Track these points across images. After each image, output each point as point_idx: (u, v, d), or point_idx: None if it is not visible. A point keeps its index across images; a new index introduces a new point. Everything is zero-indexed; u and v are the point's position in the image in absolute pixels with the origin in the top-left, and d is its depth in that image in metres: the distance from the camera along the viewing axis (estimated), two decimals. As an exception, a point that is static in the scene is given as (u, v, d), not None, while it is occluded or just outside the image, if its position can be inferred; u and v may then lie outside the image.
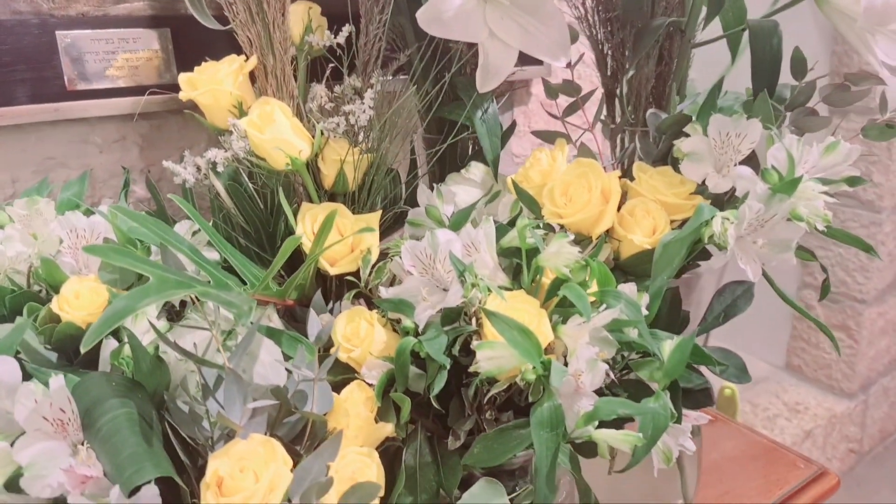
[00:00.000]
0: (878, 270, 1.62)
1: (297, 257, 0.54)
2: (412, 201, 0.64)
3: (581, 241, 0.55)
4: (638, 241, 0.52)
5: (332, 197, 0.60)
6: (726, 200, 0.56)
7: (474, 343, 0.43)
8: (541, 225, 0.53)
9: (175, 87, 0.60)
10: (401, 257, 0.49)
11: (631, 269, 0.55)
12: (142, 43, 0.66)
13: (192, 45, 0.67)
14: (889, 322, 1.73)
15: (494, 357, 0.42)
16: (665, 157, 0.59)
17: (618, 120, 0.69)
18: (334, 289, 0.58)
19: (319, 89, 0.59)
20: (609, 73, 0.70)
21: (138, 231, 0.44)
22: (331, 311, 0.54)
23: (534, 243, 0.48)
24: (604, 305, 0.45)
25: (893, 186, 1.57)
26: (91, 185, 0.68)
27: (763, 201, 0.48)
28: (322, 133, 0.55)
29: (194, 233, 0.53)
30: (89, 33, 0.64)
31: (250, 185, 0.57)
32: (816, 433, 1.66)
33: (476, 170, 0.62)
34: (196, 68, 0.57)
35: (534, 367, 0.42)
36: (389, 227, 0.63)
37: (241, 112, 0.55)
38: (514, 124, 0.66)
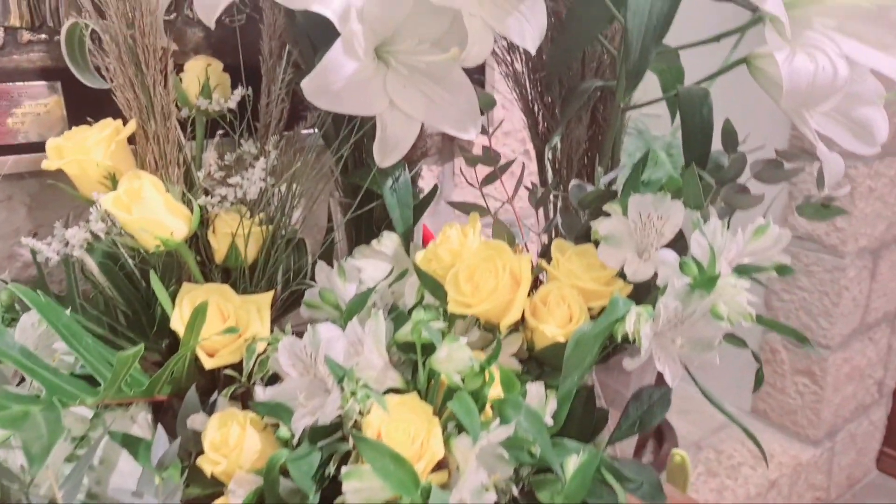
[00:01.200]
0: (843, 316, 1.59)
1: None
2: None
3: (491, 329, 0.51)
4: (550, 333, 0.47)
5: (226, 271, 0.55)
6: (653, 285, 0.51)
7: (344, 469, 0.38)
8: (442, 316, 0.48)
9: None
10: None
11: (547, 360, 0.50)
12: (28, 97, 0.60)
13: (85, 99, 0.61)
14: (855, 368, 1.70)
15: (362, 489, 0.36)
16: (588, 234, 0.55)
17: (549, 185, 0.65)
18: (222, 378, 0.52)
19: (209, 156, 0.54)
20: (539, 134, 0.66)
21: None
22: (213, 405, 0.48)
23: (430, 339, 0.43)
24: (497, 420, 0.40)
25: (857, 231, 1.55)
26: (-30, 247, 0.62)
27: (681, 298, 0.44)
28: (202, 208, 0.50)
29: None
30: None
31: (129, 261, 0.51)
32: (782, 482, 1.61)
33: (388, 241, 0.57)
34: (66, 133, 0.51)
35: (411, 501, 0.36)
36: (290, 306, 0.58)
37: (114, 183, 0.50)
38: (434, 190, 0.62)
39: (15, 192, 0.63)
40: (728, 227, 0.54)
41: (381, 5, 0.45)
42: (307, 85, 0.44)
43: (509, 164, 0.61)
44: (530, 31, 0.47)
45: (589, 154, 0.67)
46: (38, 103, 0.61)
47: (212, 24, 0.46)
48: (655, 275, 0.48)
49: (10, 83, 0.59)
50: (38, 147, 0.60)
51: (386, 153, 0.49)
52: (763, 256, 0.49)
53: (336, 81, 0.44)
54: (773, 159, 0.54)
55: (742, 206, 0.53)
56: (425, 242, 0.74)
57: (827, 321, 1.61)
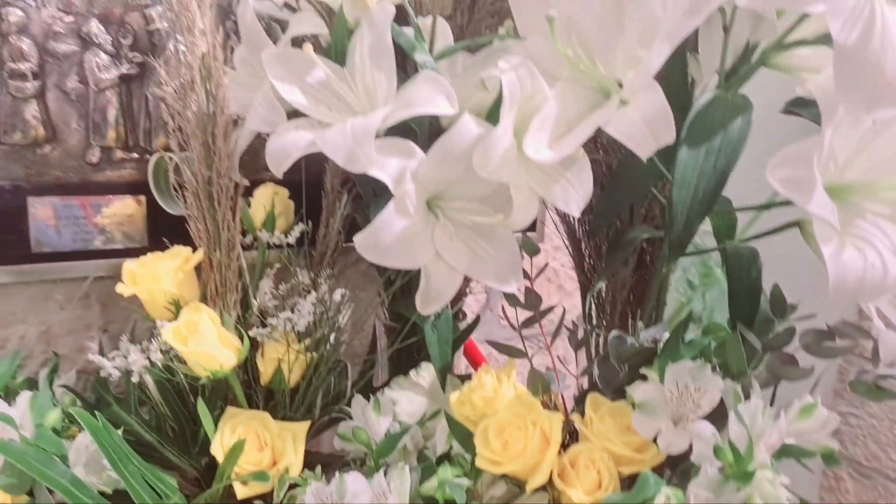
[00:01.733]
0: (917, 448, 1.48)
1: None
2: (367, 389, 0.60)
3: (518, 484, 0.50)
4: (577, 500, 0.47)
5: (269, 391, 0.58)
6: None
7: None
8: (470, 467, 0.48)
9: (146, 249, 0.60)
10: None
11: (573, 523, 0.49)
12: (115, 209, 0.66)
13: (165, 213, 0.66)
14: (929, 506, 1.57)
15: None
16: (625, 388, 0.54)
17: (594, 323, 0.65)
18: None
19: (265, 284, 0.57)
20: (585, 271, 0.67)
21: (16, 455, 0.42)
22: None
23: (452, 498, 0.44)
24: None
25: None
26: (46, 340, 0.68)
27: (713, 488, 0.43)
28: (251, 339, 0.53)
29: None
30: (60, 199, 0.64)
31: (183, 380, 0.54)
32: None
33: (426, 373, 0.58)
34: (140, 259, 0.56)
35: None
36: (325, 426, 0.59)
37: (178, 308, 0.53)
38: (475, 322, 0.63)
39: (93, 291, 0.68)
40: (773, 399, 0.53)
41: (436, 167, 0.48)
42: (359, 241, 0.47)
43: (550, 309, 0.62)
44: (576, 198, 0.49)
45: (634, 295, 0.67)
46: (122, 215, 0.66)
47: (280, 175, 0.50)
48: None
49: (99, 196, 0.65)
50: (120, 253, 0.66)
51: (428, 302, 0.51)
52: (808, 439, 0.48)
53: (386, 239, 0.47)
54: (825, 331, 0.53)
55: (789, 378, 0.52)
56: (474, 362, 0.75)
57: (898, 453, 1.50)
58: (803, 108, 0.54)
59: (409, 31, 0.52)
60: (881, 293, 0.42)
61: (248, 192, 0.62)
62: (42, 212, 0.64)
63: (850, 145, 0.46)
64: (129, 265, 0.55)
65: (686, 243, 0.50)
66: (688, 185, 0.48)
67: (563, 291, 1.00)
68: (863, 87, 0.37)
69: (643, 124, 0.43)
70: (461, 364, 0.74)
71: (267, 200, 0.61)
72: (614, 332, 0.57)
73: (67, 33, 0.61)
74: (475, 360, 0.75)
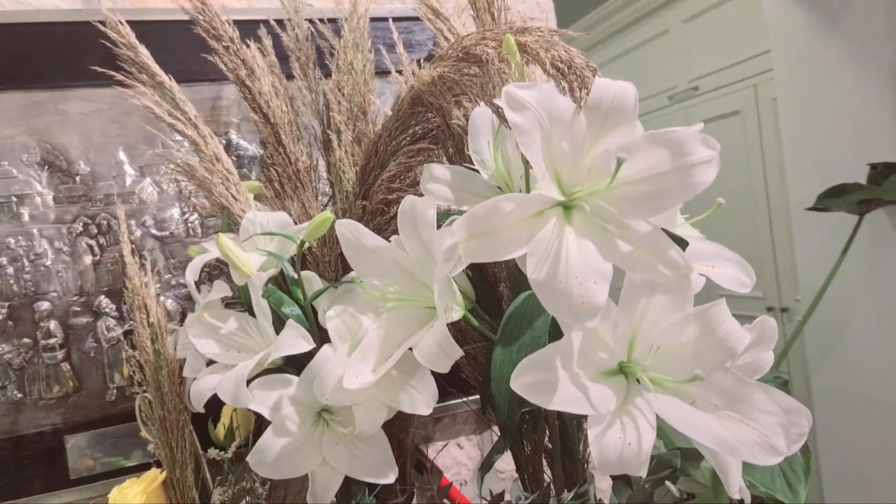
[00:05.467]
0: None
1: None
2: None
3: None
4: None
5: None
6: None
7: None
8: None
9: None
10: None
11: None
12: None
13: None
14: None
15: None
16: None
17: None
18: None
19: (216, 495, 0.71)
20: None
21: None
22: None
23: None
24: None
25: None
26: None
27: None
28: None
29: None
30: (91, 434, 0.83)
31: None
32: None
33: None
34: (118, 487, 0.72)
35: None
36: None
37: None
38: (410, 497, 0.72)
39: None
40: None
41: (306, 390, 0.61)
42: (251, 460, 0.60)
43: (448, 485, 0.70)
44: (422, 400, 0.59)
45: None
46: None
47: (200, 409, 0.65)
48: None
49: (124, 424, 0.84)
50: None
51: (318, 499, 0.62)
52: None
53: (269, 457, 0.60)
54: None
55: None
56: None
57: None
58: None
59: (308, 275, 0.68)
60: (639, 467, 0.48)
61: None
62: (75, 446, 0.83)
63: (622, 332, 0.54)
64: (114, 489, 0.71)
65: (512, 428, 0.58)
66: (504, 378, 0.57)
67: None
68: (561, 308, 0.47)
69: (435, 346, 0.55)
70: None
71: (227, 416, 0.76)
72: (506, 499, 0.65)
73: (83, 309, 0.83)
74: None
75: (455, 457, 0.97)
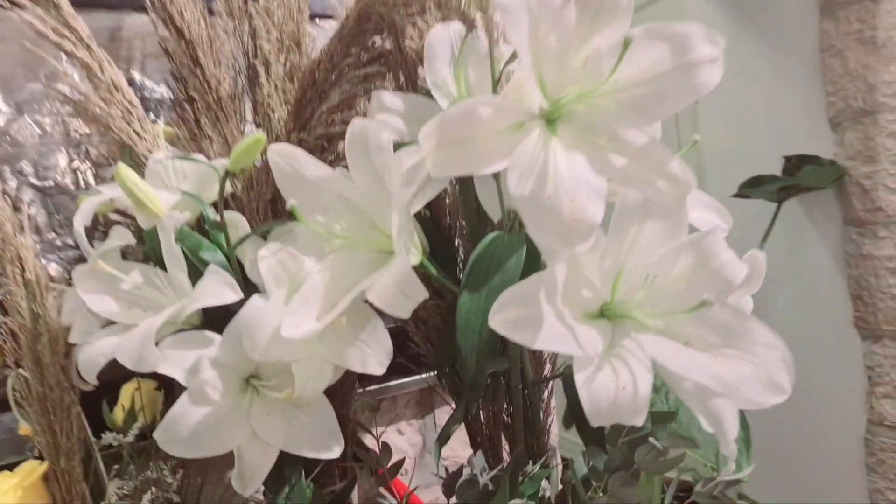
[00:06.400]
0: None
1: None
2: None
3: None
4: None
5: None
6: None
7: None
8: None
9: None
10: None
11: None
12: None
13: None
14: None
15: None
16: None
17: None
18: None
19: (112, 487, 0.58)
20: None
21: None
22: None
23: None
24: None
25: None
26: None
27: None
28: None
29: None
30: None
31: None
32: None
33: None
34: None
35: None
36: None
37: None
38: (352, 481, 0.63)
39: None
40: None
41: (232, 350, 0.51)
42: (158, 437, 0.49)
43: (401, 462, 0.61)
44: (374, 356, 0.50)
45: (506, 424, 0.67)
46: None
47: (92, 383, 0.52)
48: None
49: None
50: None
51: (245, 484, 0.51)
52: None
53: (184, 431, 0.49)
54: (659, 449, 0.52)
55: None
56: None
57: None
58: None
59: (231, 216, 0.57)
60: (636, 415, 0.42)
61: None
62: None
63: (610, 265, 0.47)
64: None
65: (481, 384, 0.51)
66: (472, 328, 0.49)
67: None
68: (550, 227, 0.40)
69: (394, 287, 0.46)
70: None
71: (127, 397, 0.64)
72: (465, 474, 0.56)
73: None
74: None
75: (395, 443, 0.88)
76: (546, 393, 0.69)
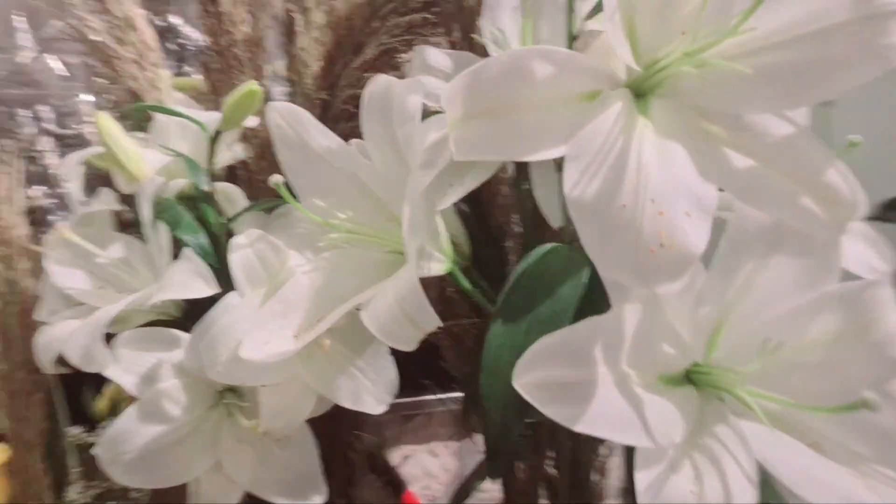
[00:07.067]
0: None
1: None
2: None
3: None
4: None
5: None
6: None
7: None
8: None
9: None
10: None
11: None
12: None
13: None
14: None
15: None
16: None
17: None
18: None
19: (72, 489, 0.50)
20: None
21: None
22: None
23: None
24: None
25: None
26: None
27: None
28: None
29: None
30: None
31: None
32: None
33: None
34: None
35: None
36: None
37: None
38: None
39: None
40: None
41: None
42: (102, 453, 0.39)
43: None
44: (371, 391, 0.38)
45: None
46: None
47: (49, 369, 0.44)
48: None
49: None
50: None
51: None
52: None
53: (128, 452, 0.39)
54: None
55: None
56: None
57: None
58: None
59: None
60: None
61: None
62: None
63: (707, 313, 0.33)
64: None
65: (506, 449, 0.37)
66: (501, 372, 0.36)
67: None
68: (619, 255, 0.26)
69: (398, 307, 0.33)
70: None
71: (114, 387, 0.55)
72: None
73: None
74: None
75: (426, 467, 0.76)
76: (602, 447, 0.54)
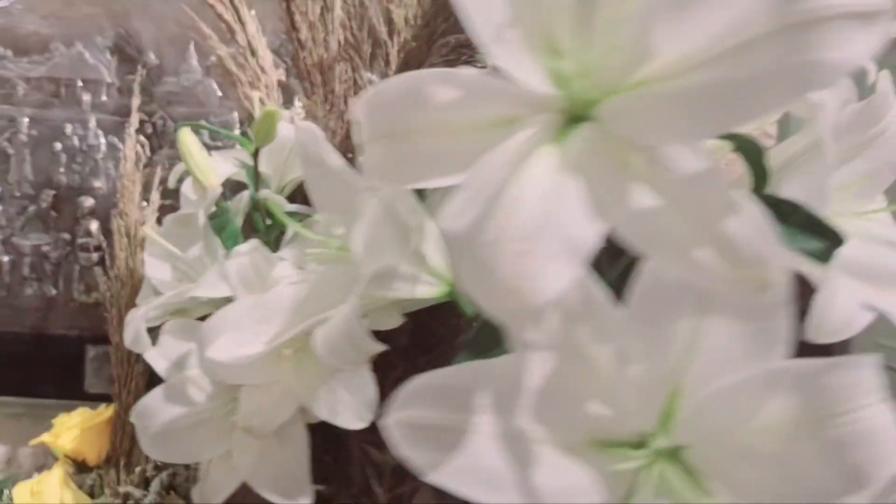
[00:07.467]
0: None
1: None
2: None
3: None
4: None
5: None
6: None
7: None
8: None
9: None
10: None
11: None
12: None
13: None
14: None
15: None
16: None
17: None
18: None
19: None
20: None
21: None
22: None
23: None
24: None
25: None
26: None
27: None
28: None
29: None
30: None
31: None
32: None
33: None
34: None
35: None
36: None
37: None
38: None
39: None
40: None
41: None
42: (134, 419, 0.45)
43: None
44: (348, 404, 0.39)
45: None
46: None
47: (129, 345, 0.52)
48: None
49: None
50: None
51: (205, 500, 0.45)
52: None
53: (153, 426, 0.44)
54: None
55: None
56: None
57: None
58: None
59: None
60: None
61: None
62: (95, 358, 0.77)
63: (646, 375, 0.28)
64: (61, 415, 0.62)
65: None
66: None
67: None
68: (477, 288, 0.24)
69: (343, 331, 0.34)
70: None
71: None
72: None
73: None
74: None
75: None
76: None
